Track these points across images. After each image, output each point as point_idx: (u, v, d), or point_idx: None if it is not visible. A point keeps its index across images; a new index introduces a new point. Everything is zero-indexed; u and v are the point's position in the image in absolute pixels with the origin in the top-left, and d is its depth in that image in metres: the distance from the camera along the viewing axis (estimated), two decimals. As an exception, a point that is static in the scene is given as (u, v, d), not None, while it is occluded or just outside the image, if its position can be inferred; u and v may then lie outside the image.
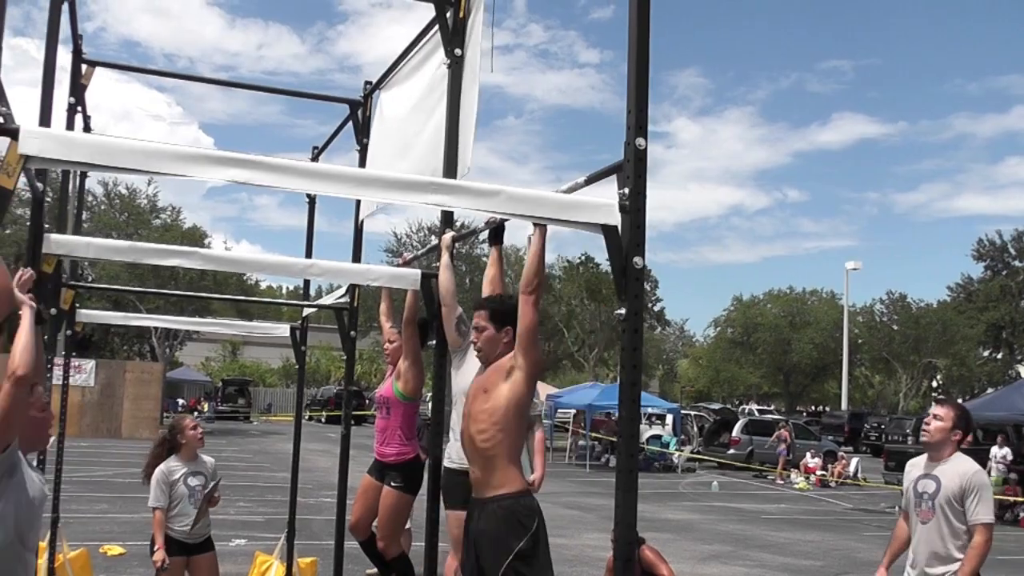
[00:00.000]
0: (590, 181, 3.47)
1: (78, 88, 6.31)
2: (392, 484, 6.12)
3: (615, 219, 3.16)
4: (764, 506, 19.99)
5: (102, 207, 37.92)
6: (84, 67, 6.35)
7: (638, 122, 3.16)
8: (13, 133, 2.56)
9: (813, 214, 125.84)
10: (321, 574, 8.22)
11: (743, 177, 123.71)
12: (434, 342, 4.99)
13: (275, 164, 2.63)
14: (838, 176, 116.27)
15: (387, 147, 6.25)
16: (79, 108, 6.47)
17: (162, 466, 6.16)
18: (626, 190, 3.17)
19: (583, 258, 44.50)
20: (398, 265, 5.73)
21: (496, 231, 4.53)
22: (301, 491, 7.90)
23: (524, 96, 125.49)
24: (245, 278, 40.62)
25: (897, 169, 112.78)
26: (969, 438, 5.25)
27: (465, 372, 4.96)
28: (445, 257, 4.83)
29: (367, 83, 6.87)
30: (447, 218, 4.98)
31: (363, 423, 41.34)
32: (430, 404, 5.06)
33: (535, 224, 3.95)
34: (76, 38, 6.20)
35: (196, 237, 37.89)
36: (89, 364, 30.19)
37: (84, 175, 8.07)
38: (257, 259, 4.73)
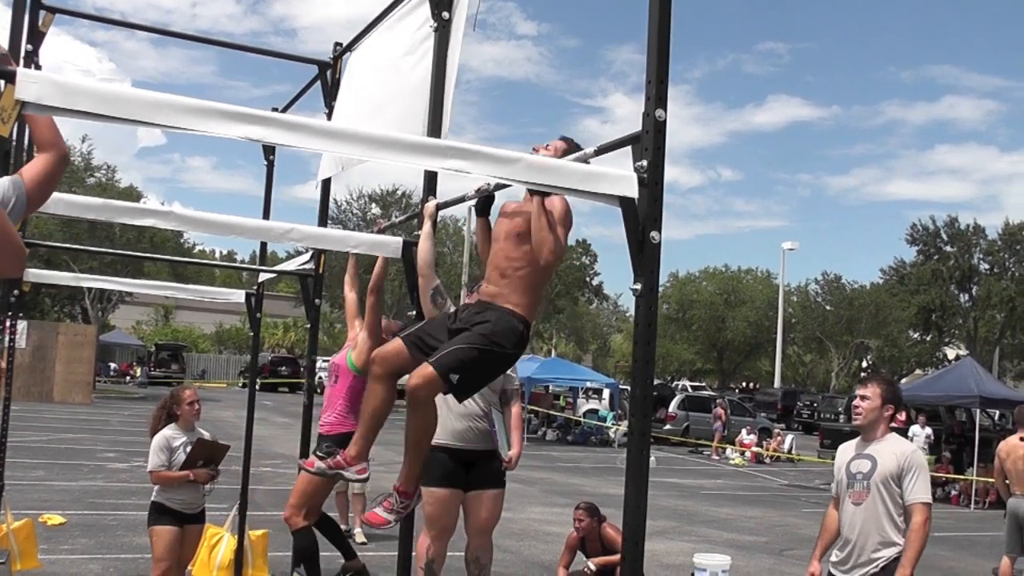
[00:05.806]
0: (600, 152, 3.35)
1: (36, 35, 5.96)
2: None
3: (634, 192, 3.06)
4: (702, 481, 20.24)
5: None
6: (43, 13, 6.02)
7: (658, 93, 3.06)
8: (9, 76, 2.34)
9: (746, 194, 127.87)
10: (271, 546, 8.04)
11: (677, 155, 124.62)
12: (413, 313, 4.84)
13: (294, 123, 2.47)
14: (771, 157, 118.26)
15: (355, 108, 6.03)
16: (35, 57, 6.13)
17: (163, 431, 6.13)
18: (644, 162, 3.07)
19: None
20: (373, 232, 5.53)
21: (485, 201, 4.35)
22: (241, 461, 7.68)
23: (460, 66, 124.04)
24: (181, 240, 39.74)
25: (830, 152, 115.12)
26: (901, 416, 5.20)
27: None
28: (427, 226, 4.67)
29: (337, 44, 6.62)
30: (431, 185, 4.82)
31: (297, 391, 42.13)
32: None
33: (532, 192, 3.83)
34: (35, -18, 5.88)
35: (133, 197, 36.86)
36: (21, 325, 29.21)
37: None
38: (234, 222, 4.54)
